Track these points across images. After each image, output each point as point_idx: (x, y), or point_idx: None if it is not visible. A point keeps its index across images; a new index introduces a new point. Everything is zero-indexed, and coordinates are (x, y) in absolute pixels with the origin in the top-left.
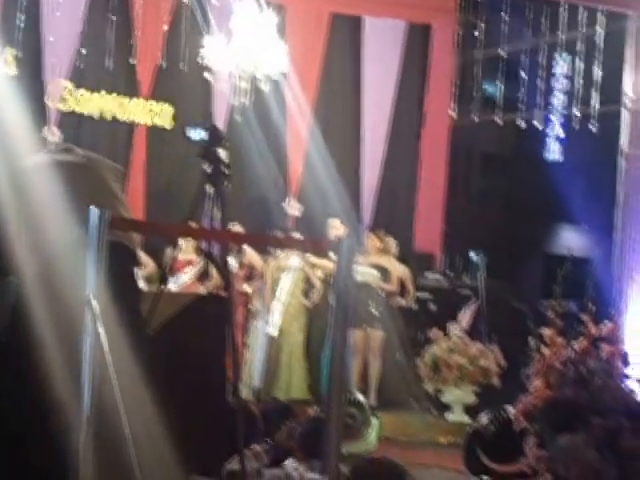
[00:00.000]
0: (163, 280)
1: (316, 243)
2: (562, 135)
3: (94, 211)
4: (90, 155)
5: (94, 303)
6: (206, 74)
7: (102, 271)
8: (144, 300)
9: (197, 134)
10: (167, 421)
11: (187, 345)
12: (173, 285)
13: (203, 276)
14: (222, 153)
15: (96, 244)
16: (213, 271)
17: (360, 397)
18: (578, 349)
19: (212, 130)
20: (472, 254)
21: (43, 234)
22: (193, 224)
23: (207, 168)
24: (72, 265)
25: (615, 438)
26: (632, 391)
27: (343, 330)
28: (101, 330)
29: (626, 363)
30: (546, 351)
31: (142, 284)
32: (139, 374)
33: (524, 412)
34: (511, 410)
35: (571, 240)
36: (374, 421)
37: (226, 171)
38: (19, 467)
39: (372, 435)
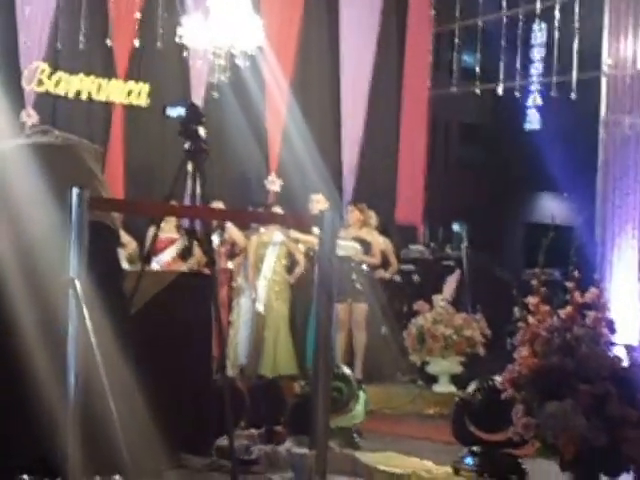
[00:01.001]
0: (147, 260)
1: (298, 218)
2: (541, 103)
3: (74, 192)
4: (68, 136)
5: (77, 284)
6: (183, 52)
7: (84, 252)
8: (127, 279)
9: (175, 112)
10: (153, 401)
11: (172, 323)
12: (155, 264)
13: (185, 254)
14: (201, 131)
15: (77, 225)
16: (195, 249)
17: (346, 370)
18: (563, 316)
19: (191, 108)
20: (454, 225)
21: (24, 217)
22: (174, 202)
23: (187, 146)
24: (54, 247)
25: (603, 404)
26: (618, 357)
27: (327, 304)
28: (85, 311)
29: (612, 329)
30: (531, 319)
31: (124, 264)
32: (124, 354)
33: (511, 381)
34: (498, 379)
35: (553, 208)
36: (361, 394)
37: (206, 148)
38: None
39: (359, 408)
